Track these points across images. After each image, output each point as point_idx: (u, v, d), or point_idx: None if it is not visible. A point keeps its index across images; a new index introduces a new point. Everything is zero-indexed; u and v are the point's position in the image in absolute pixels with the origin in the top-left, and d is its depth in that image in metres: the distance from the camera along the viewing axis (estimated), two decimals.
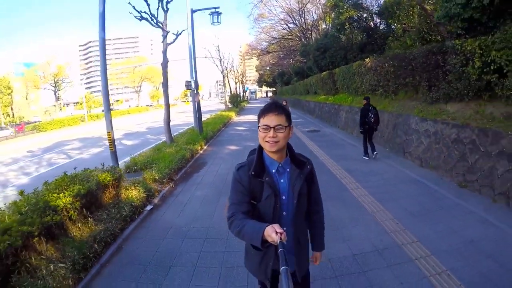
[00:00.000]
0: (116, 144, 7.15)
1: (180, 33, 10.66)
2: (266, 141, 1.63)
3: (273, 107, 1.66)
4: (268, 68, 62.62)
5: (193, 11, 13.03)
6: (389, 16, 16.16)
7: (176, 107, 68.39)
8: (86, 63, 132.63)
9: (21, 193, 4.17)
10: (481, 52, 5.98)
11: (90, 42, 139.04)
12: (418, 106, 8.12)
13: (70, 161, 12.71)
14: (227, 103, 36.26)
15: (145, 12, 9.50)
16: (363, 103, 8.38)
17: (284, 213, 1.71)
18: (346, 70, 14.48)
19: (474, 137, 5.75)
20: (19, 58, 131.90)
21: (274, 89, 70.59)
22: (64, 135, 25.96)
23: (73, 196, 4.15)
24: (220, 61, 33.29)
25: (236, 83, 51.58)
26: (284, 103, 11.96)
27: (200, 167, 8.86)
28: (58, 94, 58.88)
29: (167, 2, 9.95)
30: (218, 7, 13.43)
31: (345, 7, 18.45)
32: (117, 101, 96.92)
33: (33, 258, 3.33)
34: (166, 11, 10.11)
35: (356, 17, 18.91)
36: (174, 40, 10.55)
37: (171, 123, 11.22)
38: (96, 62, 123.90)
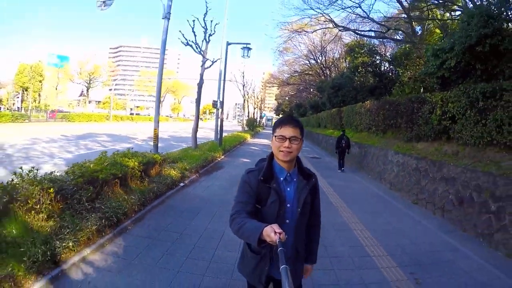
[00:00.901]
0: (147, 143, 9.35)
1: (216, 61, 13.18)
2: (281, 151, 1.71)
3: (290, 119, 1.77)
4: (287, 98, 65.31)
5: (228, 44, 15.68)
6: (398, 65, 18.36)
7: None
8: (115, 66, 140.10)
9: (104, 153, 6.28)
10: (441, 103, 7.99)
11: (121, 46, 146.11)
12: (397, 143, 10.11)
13: (105, 149, 14.88)
14: (244, 125, 38.89)
15: (191, 41, 12.00)
16: (340, 133, 11.62)
17: (287, 221, 1.76)
18: (351, 109, 16.62)
19: (427, 166, 7.70)
20: (53, 49, 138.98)
21: None
22: (92, 128, 28.48)
23: (137, 162, 6.28)
24: (243, 86, 36.03)
25: (254, 108, 54.29)
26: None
27: (218, 168, 11.06)
28: (88, 90, 62.92)
29: (210, 35, 12.48)
30: (250, 43, 16.09)
31: (361, 52, 20.75)
32: (137, 107, 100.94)
33: (109, 193, 5.38)
34: (207, 42, 12.61)
35: (369, 62, 21.13)
36: (210, 66, 13.03)
37: (191, 135, 13.47)
38: (123, 67, 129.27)
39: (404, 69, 17.94)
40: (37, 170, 4.53)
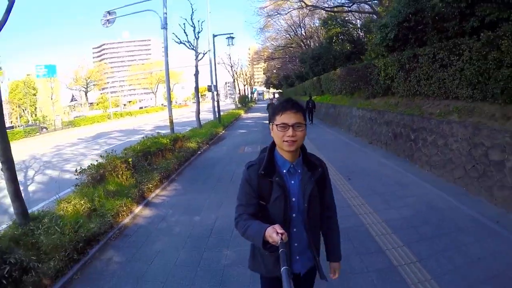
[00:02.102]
0: (155, 130, 11.98)
1: (206, 52, 15.77)
2: (285, 141, 1.57)
3: (290, 104, 1.60)
4: (274, 71, 67.22)
5: (214, 36, 18.10)
6: (367, 32, 20.63)
7: (189, 107, 73.62)
8: (109, 67, 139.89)
9: (145, 137, 8.96)
10: (384, 67, 10.56)
11: (104, 44, 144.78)
12: (360, 101, 12.76)
13: (123, 142, 17.46)
14: (237, 102, 41.47)
15: (184, 40, 14.46)
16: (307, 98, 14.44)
17: (294, 215, 1.66)
18: (327, 77, 19.17)
19: (376, 115, 10.41)
20: (37, 60, 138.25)
21: (281, 90, 75.17)
22: (100, 128, 31.01)
23: (169, 140, 8.99)
24: (231, 67, 38.25)
25: (244, 85, 56.51)
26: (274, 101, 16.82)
27: (222, 139, 14.03)
28: (87, 94, 65.12)
29: (198, 33, 14.91)
30: (232, 33, 18.53)
31: (333, 24, 23.00)
32: (129, 101, 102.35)
33: (156, 161, 8.09)
34: (197, 39, 15.06)
35: (343, 32, 23.31)
36: (202, 57, 15.53)
37: (190, 119, 16.12)
38: (109, 64, 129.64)
39: (371, 36, 20.25)
40: (114, 151, 7.23)
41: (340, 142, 11.38)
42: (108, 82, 61.39)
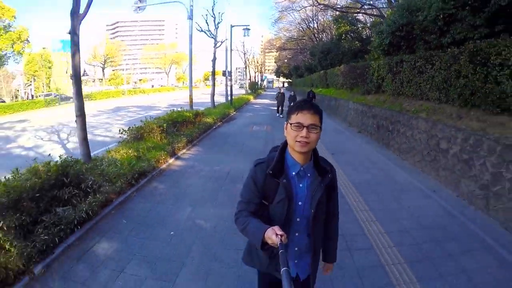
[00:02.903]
0: (169, 108, 13.85)
1: (224, 41, 17.40)
2: (297, 141, 1.54)
3: (308, 104, 1.58)
4: (285, 61, 68.51)
5: (232, 26, 19.80)
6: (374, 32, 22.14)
7: (199, 89, 75.41)
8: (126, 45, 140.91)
9: (171, 111, 10.83)
10: (377, 68, 12.26)
11: (118, 22, 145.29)
12: (356, 96, 14.48)
13: (142, 116, 19.19)
14: (247, 88, 43.27)
15: (206, 29, 16.17)
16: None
17: (298, 219, 1.64)
18: (332, 72, 20.82)
19: (366, 109, 12.17)
20: (52, 34, 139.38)
21: (290, 80, 76.51)
22: (117, 103, 32.88)
23: (191, 114, 10.87)
24: (244, 54, 39.85)
25: (255, 72, 58.04)
26: (292, 93, 18.50)
27: (233, 119, 16.00)
28: (104, 70, 67.30)
29: (218, 23, 16.61)
30: (249, 25, 20.20)
31: (343, 22, 24.50)
32: (140, 80, 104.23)
33: (182, 129, 9.98)
34: (217, 28, 16.76)
35: (351, 30, 24.79)
36: (220, 45, 17.21)
37: (201, 100, 18.01)
38: (123, 43, 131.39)
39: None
40: (151, 117, 9.12)
41: (335, 129, 13.19)
42: (125, 59, 63.21)
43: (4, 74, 49.48)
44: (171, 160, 7.68)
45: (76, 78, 6.12)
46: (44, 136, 13.09)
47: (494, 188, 5.06)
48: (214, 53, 17.08)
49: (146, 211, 4.98)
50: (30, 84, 56.89)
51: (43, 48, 57.96)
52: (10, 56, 32.20)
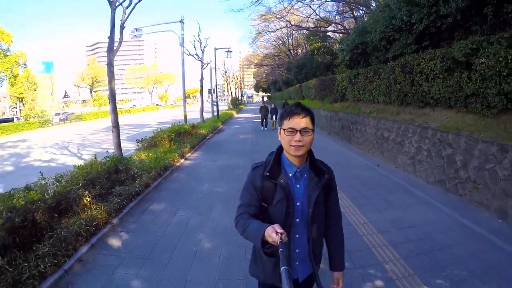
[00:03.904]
0: (160, 125, 16.01)
1: (209, 63, 19.74)
2: (292, 145, 1.58)
3: (299, 108, 1.61)
4: (264, 76, 71.54)
5: (215, 49, 22.30)
6: None
7: (181, 108, 77.12)
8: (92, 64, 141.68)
9: (174, 124, 13.01)
10: (341, 80, 14.82)
11: (98, 43, 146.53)
12: (326, 105, 17.00)
13: (138, 132, 21.20)
14: (229, 104, 45.87)
15: (194, 54, 18.51)
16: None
17: (297, 220, 1.67)
18: (306, 85, 23.46)
19: (333, 115, 14.66)
20: (33, 55, 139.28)
21: (269, 94, 79.44)
22: (106, 123, 34.24)
23: (189, 126, 13.07)
24: (225, 72, 42.46)
25: (235, 88, 60.71)
26: (272, 105, 20.61)
27: (222, 131, 18.25)
28: (92, 92, 68.89)
29: (204, 47, 19.01)
30: (230, 47, 22.81)
31: (315, 38, 27.31)
32: (121, 100, 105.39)
33: (184, 138, 12.15)
34: (203, 52, 19.15)
35: (322, 46, 27.51)
36: (206, 67, 19.54)
37: (189, 116, 20.12)
38: (102, 63, 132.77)
39: None
40: (161, 129, 11.28)
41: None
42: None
43: None
44: (182, 160, 9.85)
45: (112, 98, 8.27)
46: (55, 151, 14.85)
47: (418, 157, 7.49)
48: (202, 74, 19.45)
49: (177, 188, 7.18)
50: (15, 107, 57.51)
51: (23, 70, 58.89)
52: (4, 80, 33.44)
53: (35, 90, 57.98)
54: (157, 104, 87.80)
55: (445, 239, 4.25)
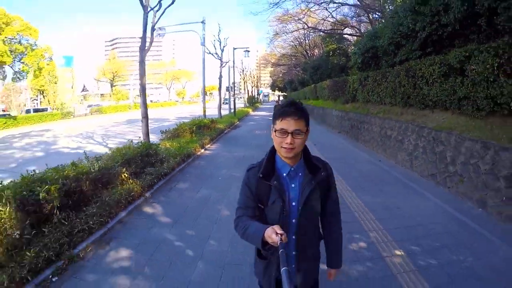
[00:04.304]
0: (178, 120, 17.08)
1: (228, 62, 20.69)
2: (283, 147, 1.56)
3: (292, 109, 1.55)
4: (280, 75, 72.34)
5: (234, 49, 23.34)
6: None
7: (198, 104, 78.81)
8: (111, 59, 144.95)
9: (194, 119, 14.06)
10: (352, 82, 15.58)
11: (116, 39, 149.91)
12: (338, 105, 17.77)
13: (158, 126, 22.09)
14: (246, 102, 46.99)
15: (214, 52, 19.56)
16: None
17: (294, 220, 1.64)
18: (320, 86, 24.21)
19: (344, 114, 15.45)
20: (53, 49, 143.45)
21: (285, 93, 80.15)
22: (126, 116, 36.00)
23: (208, 121, 14.09)
24: (243, 71, 43.52)
25: (252, 87, 61.75)
26: (280, 103, 21.64)
27: (238, 126, 19.32)
28: (112, 87, 71.32)
29: (224, 47, 20.05)
30: (248, 47, 23.79)
31: (331, 40, 27.98)
32: (138, 95, 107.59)
33: (205, 130, 13.18)
34: (222, 51, 20.19)
35: (337, 48, 28.18)
36: (224, 65, 20.53)
37: (207, 112, 21.18)
38: (120, 58, 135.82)
39: None
40: (183, 121, 12.34)
41: (322, 131, 16.44)
42: (131, 75, 67.05)
43: (13, 88, 52.34)
44: (202, 150, 10.88)
45: (143, 92, 9.33)
46: (81, 140, 16.16)
47: (415, 153, 8.28)
48: (220, 72, 20.48)
49: (199, 173, 8.21)
50: (36, 99, 59.90)
51: (47, 64, 61.26)
52: (29, 71, 35.28)
53: (55, 83, 60.49)
54: (175, 100, 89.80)
55: (426, 219, 5.06)
